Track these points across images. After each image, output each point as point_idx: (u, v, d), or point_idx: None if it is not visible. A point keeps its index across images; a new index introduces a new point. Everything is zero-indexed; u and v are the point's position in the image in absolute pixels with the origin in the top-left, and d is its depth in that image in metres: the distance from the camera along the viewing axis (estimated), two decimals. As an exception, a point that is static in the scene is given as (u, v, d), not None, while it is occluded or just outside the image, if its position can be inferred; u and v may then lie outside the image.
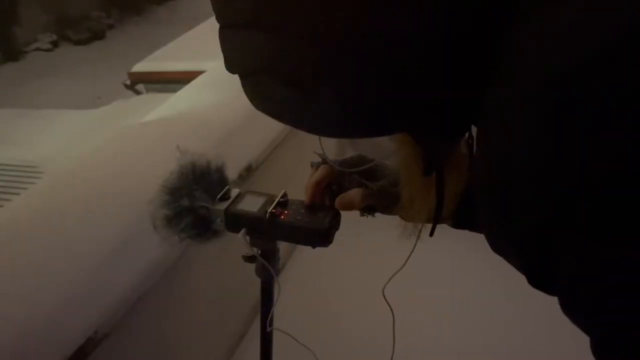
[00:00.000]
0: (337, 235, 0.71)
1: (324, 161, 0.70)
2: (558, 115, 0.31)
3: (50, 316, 0.94)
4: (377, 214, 0.70)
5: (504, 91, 0.35)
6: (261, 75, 0.43)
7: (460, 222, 0.62)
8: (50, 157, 2.14)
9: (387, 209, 0.66)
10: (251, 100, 0.47)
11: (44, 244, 1.09)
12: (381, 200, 0.66)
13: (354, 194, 0.67)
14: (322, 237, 0.70)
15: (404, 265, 0.66)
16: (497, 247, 0.41)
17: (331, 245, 0.71)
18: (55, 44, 5.70)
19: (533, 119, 0.33)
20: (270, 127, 1.66)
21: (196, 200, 0.71)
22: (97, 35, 5.90)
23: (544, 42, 0.33)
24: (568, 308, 0.35)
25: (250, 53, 0.42)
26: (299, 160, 1.98)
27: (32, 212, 1.21)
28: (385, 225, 0.75)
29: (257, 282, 0.81)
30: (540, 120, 0.32)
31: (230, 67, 0.46)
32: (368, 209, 0.70)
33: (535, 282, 0.37)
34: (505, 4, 0.36)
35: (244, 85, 0.47)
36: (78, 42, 5.76)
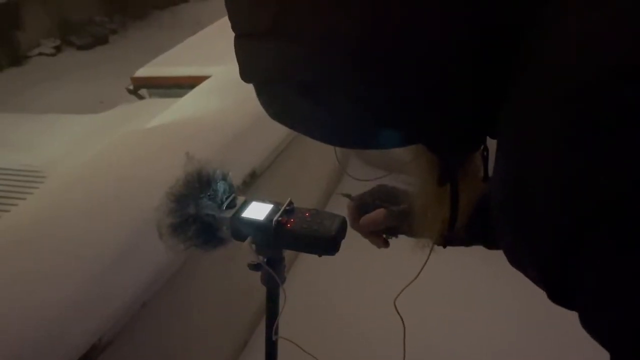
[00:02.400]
0: (344, 244, 0.71)
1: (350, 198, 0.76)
2: (584, 128, 0.31)
3: (54, 323, 0.94)
4: (401, 236, 0.74)
5: (524, 103, 0.35)
6: (278, 84, 0.43)
7: (473, 235, 0.62)
8: (53, 161, 2.14)
9: (410, 231, 0.69)
10: (267, 110, 0.47)
11: (48, 250, 1.08)
12: (403, 221, 0.69)
13: (377, 214, 0.72)
14: (329, 245, 0.70)
15: (417, 276, 0.65)
16: (516, 261, 0.41)
17: (338, 253, 0.70)
18: (58, 49, 5.72)
19: (557, 131, 0.32)
20: (275, 133, 1.65)
21: (202, 208, 0.71)
22: (100, 40, 5.91)
23: (569, 53, 0.33)
24: (588, 323, 0.34)
25: (267, 62, 0.42)
26: (303, 167, 1.98)
27: (36, 218, 1.21)
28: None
29: (261, 288, 0.80)
30: (565, 133, 0.32)
31: (246, 76, 0.46)
32: (390, 230, 0.73)
33: (556, 297, 0.37)
34: (524, 17, 0.36)
35: (259, 95, 0.47)
36: (81, 47, 5.78)
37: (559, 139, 0.32)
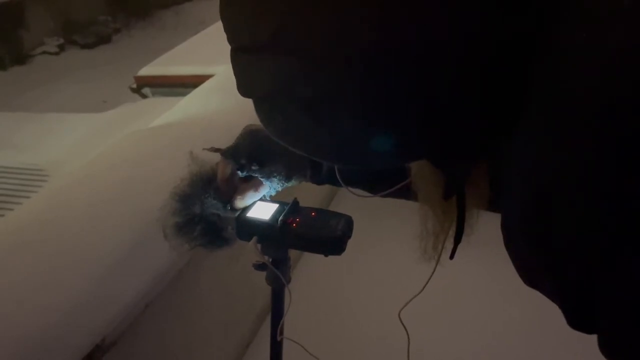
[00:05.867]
0: (351, 244, 0.70)
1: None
2: (613, 148, 0.29)
3: (58, 323, 0.93)
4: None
5: (546, 123, 0.34)
6: (276, 100, 0.41)
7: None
8: (56, 160, 2.14)
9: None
10: (265, 126, 0.45)
11: (51, 250, 1.08)
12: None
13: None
14: (334, 245, 0.69)
15: (423, 289, 0.65)
16: (533, 282, 0.39)
17: (344, 253, 0.70)
18: (61, 48, 5.73)
19: (584, 152, 0.31)
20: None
21: (207, 207, 0.70)
22: (104, 39, 5.92)
23: (594, 69, 0.31)
24: (608, 348, 0.33)
25: (265, 77, 0.40)
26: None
27: (39, 217, 1.20)
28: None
29: (265, 288, 0.80)
30: (593, 154, 0.30)
31: (244, 90, 0.44)
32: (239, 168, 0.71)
33: (576, 321, 0.35)
34: (537, 31, 0.35)
35: (257, 110, 0.45)
36: (84, 46, 5.79)
37: (586, 159, 0.31)
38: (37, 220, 1.18)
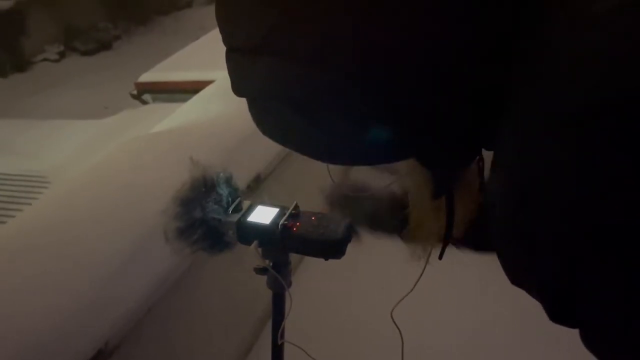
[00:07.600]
0: (351, 248, 0.71)
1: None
2: (596, 148, 0.30)
3: (61, 328, 0.94)
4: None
5: (528, 122, 0.34)
6: (269, 100, 0.43)
7: (473, 244, 0.62)
8: (57, 167, 2.15)
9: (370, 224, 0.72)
10: (258, 125, 0.47)
11: (53, 256, 1.09)
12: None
13: None
14: (334, 249, 0.70)
15: (413, 289, 0.65)
16: (517, 279, 0.40)
17: (344, 257, 0.70)
18: (62, 55, 5.74)
19: (564, 152, 0.31)
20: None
21: (208, 212, 0.71)
22: (104, 46, 5.93)
23: (575, 71, 0.32)
24: (590, 341, 0.34)
25: (258, 78, 0.41)
26: (307, 171, 1.97)
27: (41, 223, 1.21)
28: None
29: (266, 292, 0.80)
30: (573, 154, 0.31)
31: (238, 90, 0.45)
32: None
33: (557, 315, 0.36)
34: (521, 35, 0.36)
35: (251, 109, 0.46)
36: (85, 53, 5.80)
37: (570, 157, 0.31)
38: (40, 226, 1.19)
